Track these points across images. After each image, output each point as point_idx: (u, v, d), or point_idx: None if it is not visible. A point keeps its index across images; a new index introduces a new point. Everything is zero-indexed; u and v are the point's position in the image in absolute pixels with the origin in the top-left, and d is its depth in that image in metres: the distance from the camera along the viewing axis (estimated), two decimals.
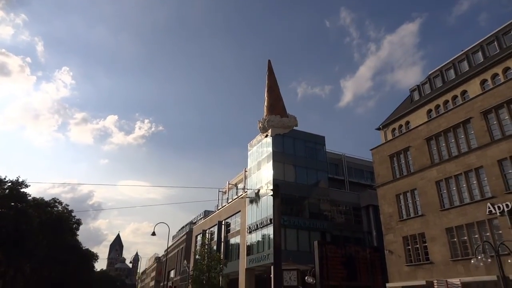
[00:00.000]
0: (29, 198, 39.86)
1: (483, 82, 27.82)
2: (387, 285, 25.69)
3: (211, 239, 47.53)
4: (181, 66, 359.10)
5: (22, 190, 37.65)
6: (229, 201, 49.41)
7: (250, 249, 37.33)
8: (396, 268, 25.89)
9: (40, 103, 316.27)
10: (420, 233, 24.95)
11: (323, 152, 40.67)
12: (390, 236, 27.06)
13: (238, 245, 41.01)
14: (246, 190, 42.32)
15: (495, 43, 28.34)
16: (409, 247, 25.60)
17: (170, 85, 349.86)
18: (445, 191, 24.06)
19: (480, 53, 29.47)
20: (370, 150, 31.23)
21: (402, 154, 27.99)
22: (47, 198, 46.34)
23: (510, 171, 20.68)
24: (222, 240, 45.28)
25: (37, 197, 44.07)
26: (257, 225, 36.37)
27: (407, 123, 33.89)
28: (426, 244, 24.38)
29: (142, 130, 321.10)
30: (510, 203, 19.82)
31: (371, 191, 35.83)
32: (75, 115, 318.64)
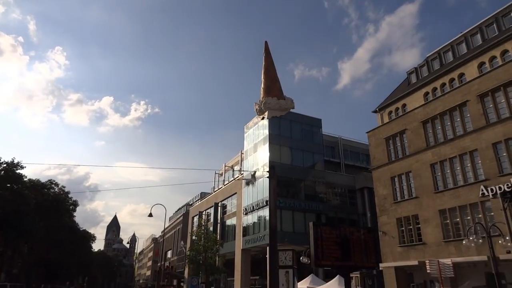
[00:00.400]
0: (25, 179, 39.80)
1: (481, 65, 27.70)
2: (380, 265, 26.22)
3: (208, 220, 48.05)
4: (177, 48, 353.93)
5: (17, 171, 37.51)
6: (225, 183, 49.72)
7: (246, 230, 37.83)
8: (389, 249, 26.41)
9: (33, 83, 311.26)
10: (414, 215, 25.34)
11: (320, 134, 40.78)
12: (384, 217, 27.48)
13: (234, 226, 41.51)
14: (242, 172, 42.51)
15: (494, 25, 28.07)
16: (403, 228, 26.03)
17: (166, 67, 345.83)
18: (439, 174, 24.31)
19: (479, 35, 29.23)
20: (366, 133, 31.30)
21: (398, 137, 28.10)
22: (43, 180, 46.39)
23: (504, 154, 20.86)
24: (219, 222, 45.79)
25: (33, 178, 44.10)
26: (253, 207, 36.74)
27: (404, 106, 33.87)
28: (419, 225, 24.80)
29: (138, 112, 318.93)
30: (503, 185, 20.08)
31: (366, 174, 36.16)
32: (70, 96, 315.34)
